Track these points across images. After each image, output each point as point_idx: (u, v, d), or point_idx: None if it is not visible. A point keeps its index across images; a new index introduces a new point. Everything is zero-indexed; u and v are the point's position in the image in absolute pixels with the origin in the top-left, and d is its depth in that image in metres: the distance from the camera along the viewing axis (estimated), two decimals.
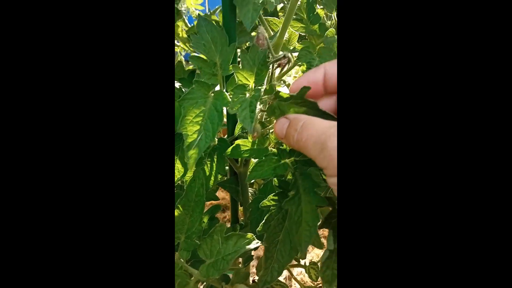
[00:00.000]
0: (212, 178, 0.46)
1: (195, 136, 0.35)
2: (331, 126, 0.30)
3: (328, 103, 0.35)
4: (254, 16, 0.38)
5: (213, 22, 0.41)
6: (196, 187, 0.43)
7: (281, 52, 0.37)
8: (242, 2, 0.40)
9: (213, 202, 0.60)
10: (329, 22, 0.51)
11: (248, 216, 0.49)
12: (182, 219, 0.43)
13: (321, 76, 0.33)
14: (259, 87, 0.35)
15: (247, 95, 0.36)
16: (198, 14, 0.45)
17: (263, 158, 0.39)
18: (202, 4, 1.07)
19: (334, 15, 0.52)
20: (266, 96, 0.35)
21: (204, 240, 0.42)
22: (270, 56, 0.39)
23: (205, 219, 0.50)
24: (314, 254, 1.11)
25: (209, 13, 1.13)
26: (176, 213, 0.43)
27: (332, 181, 0.28)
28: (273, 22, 0.53)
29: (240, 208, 0.64)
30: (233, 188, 0.55)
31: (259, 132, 0.38)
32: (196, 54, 0.41)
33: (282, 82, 0.47)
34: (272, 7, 0.40)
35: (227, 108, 0.36)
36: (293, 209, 0.36)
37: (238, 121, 0.34)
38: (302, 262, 0.71)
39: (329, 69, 0.34)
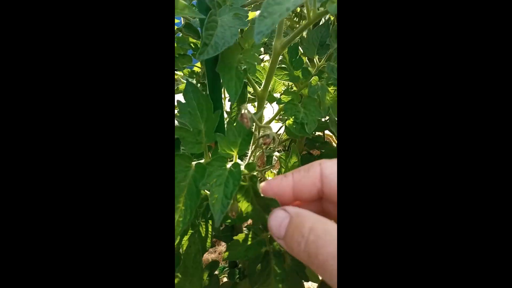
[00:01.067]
0: (208, 239, 0.45)
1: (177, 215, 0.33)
2: None
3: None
4: (238, 86, 0.38)
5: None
6: (193, 253, 0.43)
7: (267, 131, 0.35)
8: (224, 68, 0.39)
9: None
10: (311, 67, 0.51)
11: (246, 269, 0.49)
12: (181, 285, 0.43)
13: (290, 185, 0.30)
14: (240, 163, 0.34)
15: (228, 166, 0.34)
16: (187, 79, 0.45)
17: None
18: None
19: (316, 59, 0.52)
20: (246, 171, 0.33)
21: None
22: (257, 132, 0.37)
23: (205, 277, 0.50)
24: None
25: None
26: (176, 281, 0.43)
27: None
28: (258, 70, 0.52)
29: None
30: (229, 237, 0.55)
31: (236, 211, 0.34)
32: (177, 124, 0.39)
33: None
34: (254, 71, 0.40)
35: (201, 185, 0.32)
36: None
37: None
38: None
39: (327, 172, 0.29)
